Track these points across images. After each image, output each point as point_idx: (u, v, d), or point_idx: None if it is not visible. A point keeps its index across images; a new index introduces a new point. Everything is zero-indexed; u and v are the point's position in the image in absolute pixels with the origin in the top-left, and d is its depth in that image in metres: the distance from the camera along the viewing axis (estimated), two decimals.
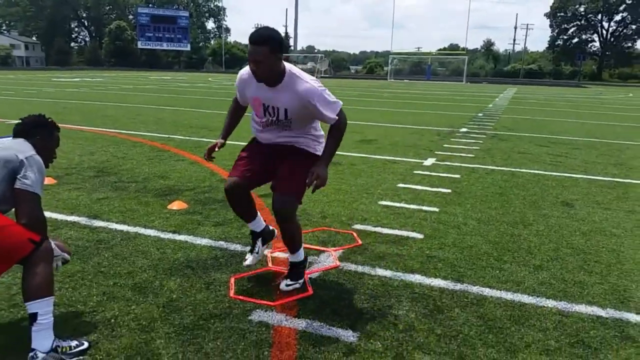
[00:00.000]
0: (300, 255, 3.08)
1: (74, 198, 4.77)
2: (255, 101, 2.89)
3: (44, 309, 2.23)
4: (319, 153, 2.96)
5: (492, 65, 75.30)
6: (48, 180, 5.30)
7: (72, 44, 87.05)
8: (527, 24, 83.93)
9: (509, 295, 3.02)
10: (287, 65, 2.76)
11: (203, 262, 3.40)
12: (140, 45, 69.20)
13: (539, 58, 78.02)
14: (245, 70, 2.89)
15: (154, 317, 2.64)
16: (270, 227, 3.35)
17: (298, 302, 2.85)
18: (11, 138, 2.55)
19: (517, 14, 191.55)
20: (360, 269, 3.34)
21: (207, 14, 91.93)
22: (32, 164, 2.37)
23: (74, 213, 4.34)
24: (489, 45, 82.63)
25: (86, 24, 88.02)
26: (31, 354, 2.20)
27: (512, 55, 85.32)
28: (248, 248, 3.55)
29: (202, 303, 2.81)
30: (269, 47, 2.58)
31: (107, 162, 6.50)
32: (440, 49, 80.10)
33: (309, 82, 2.74)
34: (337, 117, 2.78)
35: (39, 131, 2.60)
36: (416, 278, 3.20)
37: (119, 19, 77.34)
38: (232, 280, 3.11)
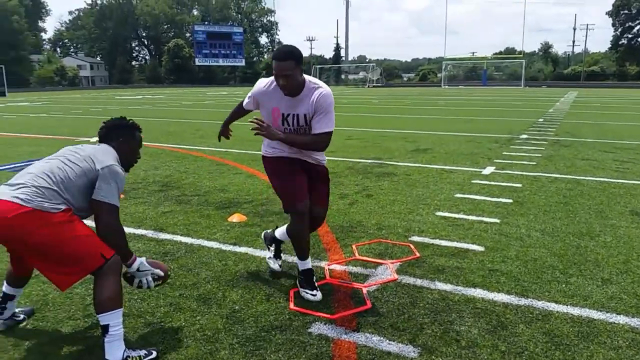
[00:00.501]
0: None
1: (140, 212, 5.00)
2: (274, 112, 3.05)
3: (114, 320, 2.36)
4: (324, 164, 3.28)
5: (551, 68, 72.78)
6: None
7: (134, 63, 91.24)
8: (587, 24, 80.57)
9: (576, 311, 2.91)
10: (306, 76, 2.98)
11: (263, 273, 3.47)
12: (197, 62, 71.61)
13: (601, 59, 74.70)
14: (266, 82, 3.08)
15: (218, 328, 2.72)
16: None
17: (357, 315, 2.86)
18: (96, 144, 2.70)
19: (575, 15, 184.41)
20: (419, 282, 3.31)
21: (260, 29, 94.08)
22: (109, 174, 2.47)
23: (141, 226, 4.55)
24: (546, 47, 79.91)
25: (146, 43, 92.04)
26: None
27: (572, 57, 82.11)
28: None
29: (264, 315, 2.88)
30: (294, 61, 2.81)
31: (170, 176, 6.77)
32: (495, 53, 78.21)
33: (327, 88, 2.99)
34: (324, 133, 2.96)
35: (121, 133, 2.75)
36: (478, 292, 3.14)
37: (177, 37, 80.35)
38: (292, 292, 3.15)
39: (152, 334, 2.68)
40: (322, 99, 2.92)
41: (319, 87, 2.96)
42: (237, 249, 3.96)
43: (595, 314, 2.87)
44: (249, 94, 3.20)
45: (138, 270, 2.60)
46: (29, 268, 2.74)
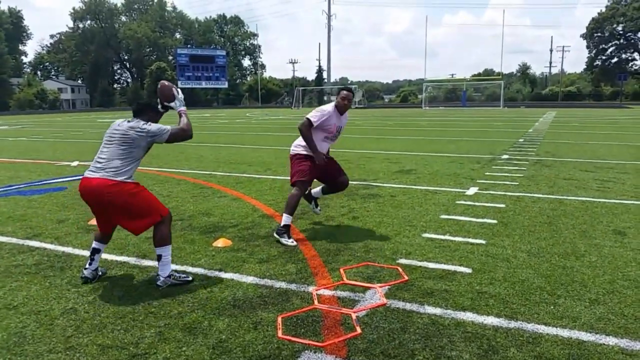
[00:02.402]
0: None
1: (122, 238, 4.89)
2: (334, 127, 5.01)
3: (165, 252, 3.63)
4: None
5: (529, 89, 74.23)
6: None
7: (115, 86, 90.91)
8: (563, 46, 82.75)
9: (565, 333, 2.90)
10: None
11: (249, 300, 3.41)
12: (180, 84, 71.35)
13: (577, 80, 76.56)
14: (328, 108, 5.00)
15: (205, 359, 2.65)
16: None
17: (347, 342, 2.81)
18: (130, 119, 3.74)
19: (552, 37, 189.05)
20: (408, 306, 3.27)
21: (243, 52, 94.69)
22: (154, 131, 3.65)
23: (123, 253, 4.45)
24: (524, 69, 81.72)
25: (128, 65, 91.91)
26: (156, 276, 3.65)
27: (549, 77, 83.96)
28: (293, 285, 3.65)
29: (251, 344, 2.81)
30: (353, 94, 4.90)
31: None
32: (474, 75, 79.69)
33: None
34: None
35: (149, 110, 3.84)
36: (468, 316, 3.11)
37: (159, 60, 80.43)
38: (279, 319, 3.10)
39: None
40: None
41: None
42: (223, 275, 3.89)
43: (584, 336, 2.86)
44: (317, 117, 4.93)
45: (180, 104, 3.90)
46: (111, 227, 3.78)
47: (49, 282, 3.79)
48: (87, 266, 3.77)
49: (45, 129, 24.85)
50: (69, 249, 4.60)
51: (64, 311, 3.26)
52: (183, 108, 3.89)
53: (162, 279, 3.59)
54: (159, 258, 3.60)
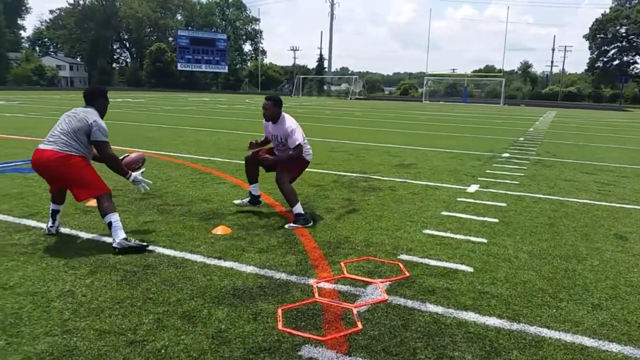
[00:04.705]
0: (298, 209, 4.91)
1: (120, 221, 4.83)
2: (270, 135, 5.28)
3: (113, 218, 4.05)
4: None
5: (529, 87, 74.09)
6: (94, 203, 5.40)
7: (114, 65, 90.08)
8: (565, 46, 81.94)
9: (568, 337, 2.88)
10: (284, 114, 5.15)
11: (249, 290, 3.37)
12: (179, 67, 71.02)
13: (578, 80, 76.42)
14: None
15: (204, 349, 2.61)
16: (260, 198, 5.53)
17: (348, 337, 2.78)
18: (84, 107, 4.27)
19: (554, 36, 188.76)
20: (409, 303, 3.24)
21: (244, 37, 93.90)
22: (96, 125, 4.12)
23: None
24: (526, 66, 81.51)
25: (127, 45, 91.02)
26: (112, 241, 4.01)
27: (550, 77, 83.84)
28: (293, 277, 3.63)
29: (251, 335, 2.77)
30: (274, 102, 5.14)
31: (152, 184, 6.59)
32: (475, 71, 79.44)
33: (291, 123, 5.09)
34: (295, 145, 5.05)
35: (97, 96, 4.33)
36: (470, 316, 3.08)
37: (160, 41, 79.65)
38: (280, 311, 3.06)
39: (134, 354, 2.55)
40: (287, 129, 5.06)
41: (287, 122, 5.11)
42: (222, 263, 3.84)
43: (587, 341, 2.84)
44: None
45: (134, 181, 4.40)
46: (63, 191, 4.35)
47: (45, 262, 3.74)
48: (50, 225, 4.40)
49: (42, 106, 24.63)
50: (66, 230, 4.54)
51: (61, 293, 3.21)
52: (136, 176, 4.41)
53: (117, 240, 3.98)
54: (109, 226, 4.04)
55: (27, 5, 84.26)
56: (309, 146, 5.32)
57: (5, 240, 4.20)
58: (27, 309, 2.98)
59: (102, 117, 4.29)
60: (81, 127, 4.09)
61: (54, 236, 4.36)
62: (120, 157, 4.48)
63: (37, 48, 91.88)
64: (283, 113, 5.13)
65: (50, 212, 4.42)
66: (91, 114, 4.17)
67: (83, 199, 4.23)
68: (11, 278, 3.43)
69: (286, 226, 4.81)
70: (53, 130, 4.15)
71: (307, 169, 5.52)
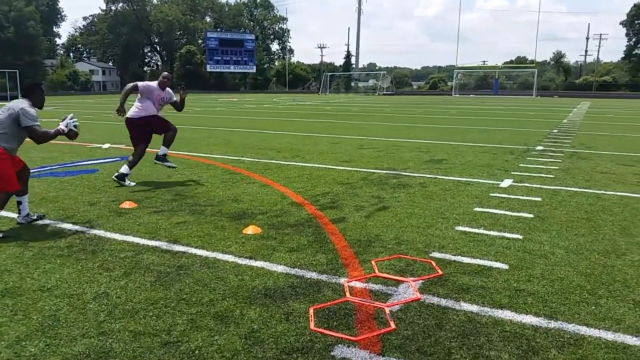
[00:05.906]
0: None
1: (154, 222, 4.92)
2: (157, 96, 6.81)
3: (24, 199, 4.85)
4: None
5: (562, 78, 72.23)
6: (129, 204, 5.51)
7: (145, 68, 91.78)
8: (600, 34, 79.44)
9: (609, 335, 2.78)
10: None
11: (281, 290, 3.37)
12: (209, 68, 71.87)
13: (613, 69, 74.06)
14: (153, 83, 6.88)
15: (237, 349, 2.62)
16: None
17: (381, 337, 2.75)
18: (18, 100, 4.74)
19: (588, 24, 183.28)
20: (443, 302, 3.19)
21: (272, 36, 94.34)
22: (22, 111, 4.56)
23: (154, 237, 4.46)
24: (559, 57, 79.43)
25: (158, 49, 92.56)
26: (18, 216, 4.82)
27: (584, 66, 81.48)
28: (324, 276, 3.62)
29: (284, 335, 2.77)
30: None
31: (183, 185, 6.70)
32: (506, 62, 77.88)
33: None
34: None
35: (34, 89, 4.79)
36: (506, 314, 3.01)
37: (189, 43, 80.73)
38: (312, 310, 3.05)
39: (168, 355, 2.58)
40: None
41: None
42: (254, 263, 3.86)
43: (630, 340, 2.74)
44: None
45: (67, 128, 4.95)
46: (23, 181, 4.84)
47: (81, 265, 3.82)
48: (18, 215, 4.89)
49: (76, 111, 25.28)
50: (100, 232, 4.64)
51: (96, 295, 3.28)
52: (62, 124, 4.95)
53: (22, 214, 4.85)
54: (19, 203, 4.83)
55: (62, 13, 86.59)
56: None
57: (43, 244, 4.31)
58: (64, 310, 3.05)
59: (39, 107, 4.78)
60: (10, 116, 4.52)
61: (89, 239, 4.45)
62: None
63: (71, 54, 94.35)
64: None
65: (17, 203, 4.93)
66: (21, 103, 4.61)
67: None
68: (49, 280, 3.52)
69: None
70: None
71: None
